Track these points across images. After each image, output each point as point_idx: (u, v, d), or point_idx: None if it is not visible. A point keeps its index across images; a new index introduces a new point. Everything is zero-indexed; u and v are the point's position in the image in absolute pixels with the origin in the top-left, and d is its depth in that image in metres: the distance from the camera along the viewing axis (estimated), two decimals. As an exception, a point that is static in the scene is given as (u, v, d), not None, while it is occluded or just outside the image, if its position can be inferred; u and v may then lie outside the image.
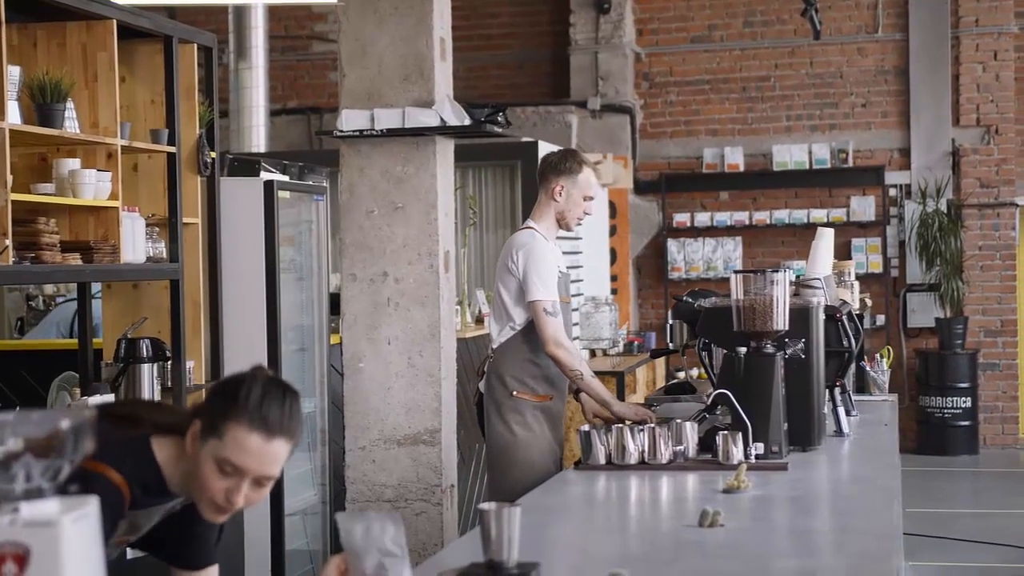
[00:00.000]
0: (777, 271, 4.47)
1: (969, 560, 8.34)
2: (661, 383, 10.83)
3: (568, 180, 5.40)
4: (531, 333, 5.31)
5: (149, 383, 5.48)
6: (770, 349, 4.46)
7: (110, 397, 5.03)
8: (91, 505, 1.77)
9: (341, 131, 5.97)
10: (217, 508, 2.64)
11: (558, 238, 5.61)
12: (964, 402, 12.39)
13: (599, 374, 9.54)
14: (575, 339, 10.26)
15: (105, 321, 5.87)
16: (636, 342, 11.36)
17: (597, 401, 5.31)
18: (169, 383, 5.64)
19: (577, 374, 5.23)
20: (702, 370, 12.51)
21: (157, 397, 5.55)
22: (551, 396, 5.38)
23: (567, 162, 5.44)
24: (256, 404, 2.58)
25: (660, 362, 11.30)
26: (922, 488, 10.78)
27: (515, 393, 5.32)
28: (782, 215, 12.90)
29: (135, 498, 2.64)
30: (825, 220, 12.59)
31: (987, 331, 12.74)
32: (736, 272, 4.50)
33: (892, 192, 12.90)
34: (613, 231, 12.57)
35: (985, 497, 10.88)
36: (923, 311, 12.75)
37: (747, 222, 12.96)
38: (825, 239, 5.58)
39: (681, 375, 12.67)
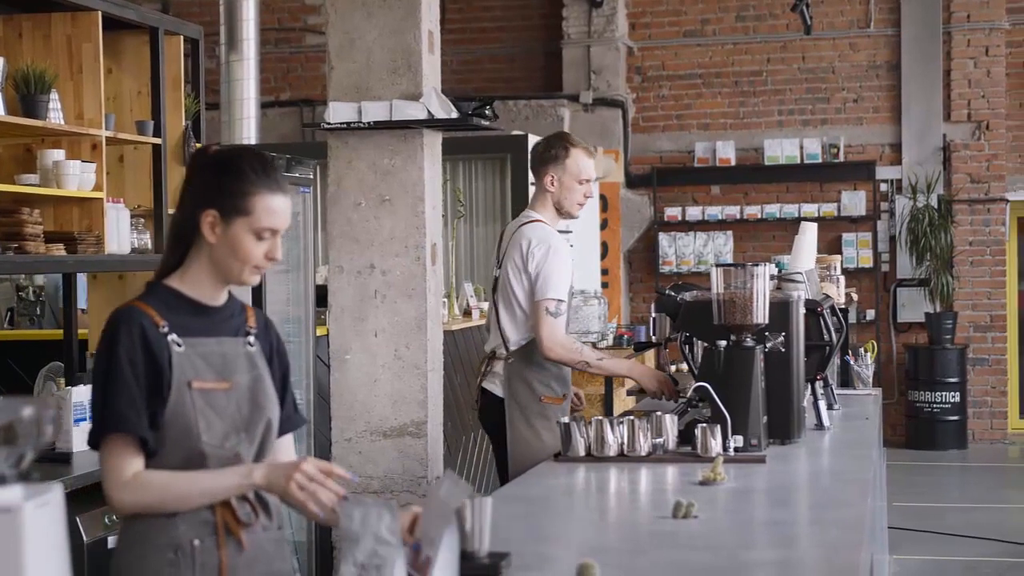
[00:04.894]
0: (757, 265, 4.48)
1: (955, 554, 8.37)
2: (651, 376, 10.83)
3: (557, 168, 5.27)
4: None
5: (134, 374, 5.48)
6: (750, 343, 4.47)
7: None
8: (54, 492, 1.78)
9: (329, 123, 5.99)
10: (256, 270, 2.90)
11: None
12: (953, 397, 12.42)
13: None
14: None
15: (91, 311, 5.89)
16: (626, 335, 11.38)
17: (618, 379, 5.16)
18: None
19: (582, 365, 5.11)
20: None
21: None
22: (566, 394, 5.31)
23: (552, 149, 5.30)
24: (264, 171, 2.87)
25: (650, 355, 11.32)
26: (910, 482, 10.81)
27: (543, 399, 5.20)
28: (773, 209, 12.93)
29: (171, 322, 2.85)
30: (816, 215, 12.62)
31: (976, 326, 12.77)
32: (717, 266, 4.51)
33: (883, 187, 12.93)
34: (604, 225, 12.59)
35: (973, 491, 10.91)
36: (913, 306, 12.77)
37: (738, 216, 12.98)
38: (808, 233, 5.59)
39: (672, 368, 12.70)
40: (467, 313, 7.92)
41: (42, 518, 1.75)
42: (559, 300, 5.09)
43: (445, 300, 7.72)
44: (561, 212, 5.33)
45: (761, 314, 4.46)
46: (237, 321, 3.00)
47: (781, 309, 4.61)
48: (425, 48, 6.09)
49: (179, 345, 2.84)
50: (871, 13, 12.94)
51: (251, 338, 2.99)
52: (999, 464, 12.04)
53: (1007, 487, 11.15)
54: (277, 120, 13.21)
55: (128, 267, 5.67)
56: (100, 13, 5.32)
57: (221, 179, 2.88)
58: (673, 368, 12.87)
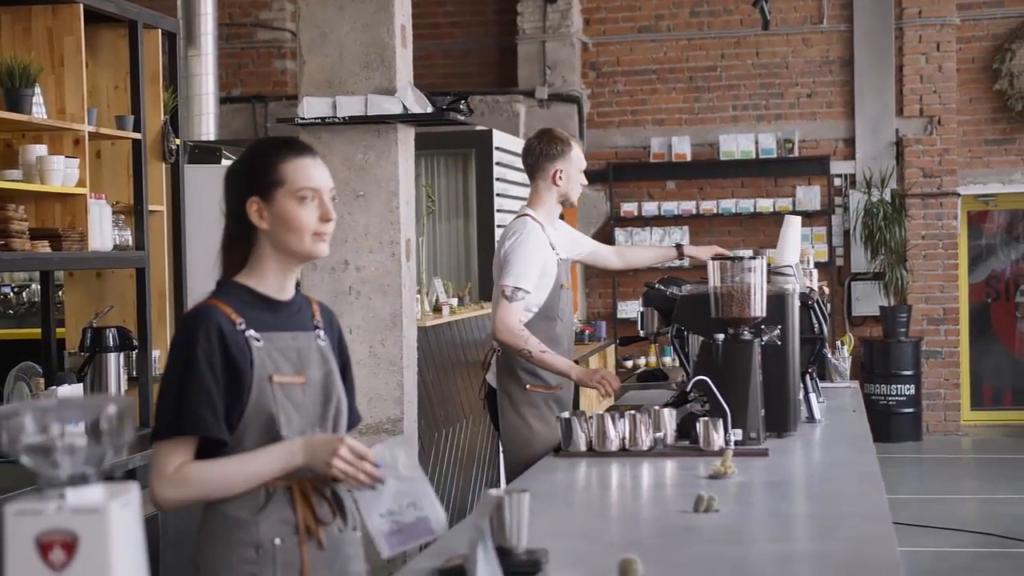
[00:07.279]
0: (754, 258, 4.48)
1: (920, 545, 8.43)
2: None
3: (564, 163, 5.39)
4: (536, 324, 5.22)
5: (116, 372, 5.40)
6: (747, 336, 4.47)
7: (78, 387, 4.96)
8: (134, 491, 1.74)
9: (302, 118, 5.93)
10: (317, 236, 2.88)
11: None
12: (908, 389, 12.52)
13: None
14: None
15: (68, 310, 5.79)
16: (587, 331, 11.40)
17: (558, 374, 5.20)
18: (135, 373, 5.57)
19: (525, 353, 5.13)
20: (660, 358, 12.48)
21: (124, 387, 5.48)
22: (561, 385, 5.31)
23: (557, 146, 5.39)
24: (283, 143, 2.93)
25: (610, 351, 11.34)
26: (869, 475, 10.87)
27: (528, 387, 5.25)
28: (729, 204, 12.97)
29: (247, 318, 2.84)
30: (771, 210, 12.68)
31: (930, 319, 12.89)
32: (714, 259, 4.50)
33: (837, 182, 13.01)
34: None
35: (930, 483, 11.00)
36: (867, 299, 12.87)
37: (694, 211, 13.01)
38: (793, 226, 5.59)
39: (628, 364, 12.72)
40: (437, 309, 7.87)
41: (125, 517, 1.71)
42: (516, 287, 5.13)
43: (417, 296, 7.67)
44: (565, 204, 5.46)
45: (759, 307, 4.45)
46: (305, 315, 2.98)
47: (777, 302, 4.62)
48: (398, 42, 6.05)
49: (258, 340, 2.83)
50: (824, 9, 13.02)
51: (321, 332, 2.97)
52: (954, 456, 12.16)
53: (964, 478, 11.27)
54: (229, 116, 13.06)
55: (111, 264, 5.57)
56: (82, 6, 5.22)
57: (248, 169, 2.91)
58: (629, 364, 12.88)
